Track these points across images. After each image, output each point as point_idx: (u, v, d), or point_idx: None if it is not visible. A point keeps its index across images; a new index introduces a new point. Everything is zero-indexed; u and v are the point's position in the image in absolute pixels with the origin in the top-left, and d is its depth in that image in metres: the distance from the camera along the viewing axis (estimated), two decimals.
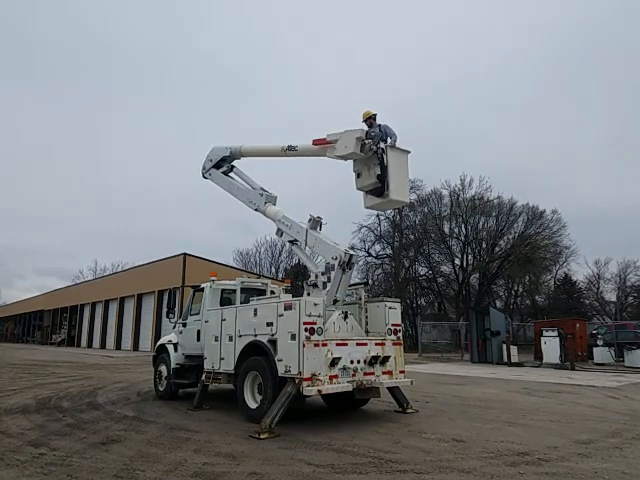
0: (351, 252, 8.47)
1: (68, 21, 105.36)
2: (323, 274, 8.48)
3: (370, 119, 8.49)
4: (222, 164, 11.68)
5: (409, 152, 8.54)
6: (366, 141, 8.10)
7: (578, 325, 23.79)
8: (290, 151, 9.82)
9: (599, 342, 22.01)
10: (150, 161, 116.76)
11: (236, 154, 11.39)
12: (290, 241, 9.61)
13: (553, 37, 78.54)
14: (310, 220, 9.04)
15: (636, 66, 70.03)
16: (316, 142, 8.99)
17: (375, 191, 8.40)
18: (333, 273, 8.31)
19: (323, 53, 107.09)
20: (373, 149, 8.12)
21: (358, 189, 8.73)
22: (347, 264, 8.28)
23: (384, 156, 8.20)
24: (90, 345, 45.51)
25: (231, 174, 11.59)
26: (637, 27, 72.05)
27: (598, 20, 75.26)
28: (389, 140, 8.41)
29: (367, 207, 9.02)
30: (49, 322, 57.96)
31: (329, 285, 8.34)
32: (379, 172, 8.18)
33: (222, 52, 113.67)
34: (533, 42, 79.42)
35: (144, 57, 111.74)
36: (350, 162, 8.69)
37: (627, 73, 70.60)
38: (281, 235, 9.77)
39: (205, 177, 12.10)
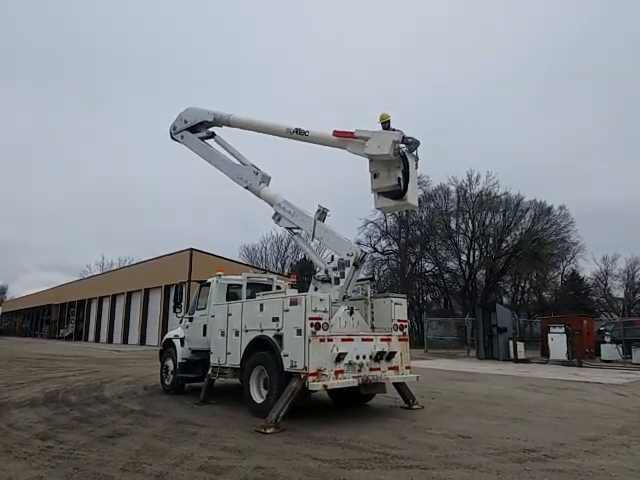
0: (365, 250, 8.51)
1: (69, 24, 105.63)
2: (335, 270, 8.44)
3: (387, 122, 8.39)
4: (199, 128, 10.90)
5: (419, 159, 8.47)
6: (400, 145, 7.92)
7: (585, 322, 23.68)
8: (298, 135, 9.29)
9: (607, 339, 21.87)
10: (152, 158, 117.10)
11: (221, 122, 10.61)
12: (288, 228, 9.42)
13: (560, 31, 77.95)
14: (318, 211, 8.91)
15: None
16: (339, 134, 8.63)
17: (392, 193, 8.24)
18: (347, 269, 8.27)
19: (322, 53, 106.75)
20: (400, 153, 7.96)
21: (374, 190, 8.44)
22: (360, 261, 8.31)
23: (408, 161, 8.06)
24: (97, 339, 45.80)
25: (209, 142, 10.85)
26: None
27: (598, 15, 74.56)
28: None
29: (378, 208, 8.90)
30: (57, 316, 58.40)
31: (342, 281, 8.30)
32: (400, 175, 8.03)
33: (220, 52, 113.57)
34: (538, 37, 78.88)
35: (143, 57, 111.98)
36: (364, 160, 8.44)
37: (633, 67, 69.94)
38: (278, 220, 9.50)
39: (174, 139, 11.25)
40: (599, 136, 74.14)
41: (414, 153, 8.25)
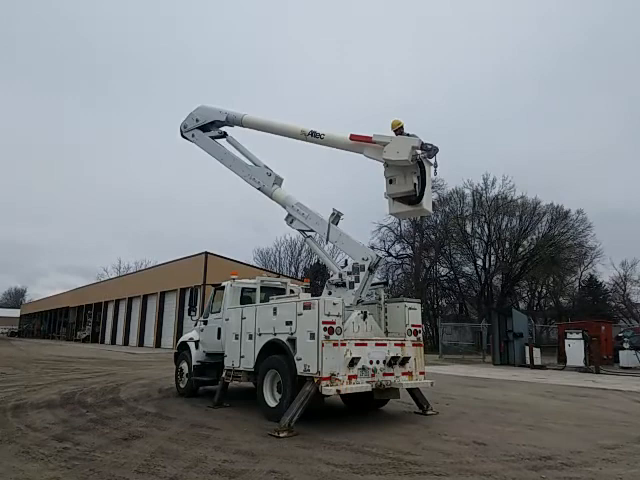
0: (379, 255, 8.53)
1: (80, 24, 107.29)
2: (349, 274, 8.42)
3: (400, 129, 8.36)
4: (210, 127, 10.79)
5: (437, 166, 8.39)
6: (418, 151, 7.89)
7: (603, 328, 23.29)
8: (313, 137, 9.17)
9: (625, 345, 21.48)
10: (169, 162, 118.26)
11: (233, 121, 10.49)
12: (301, 230, 9.38)
13: (573, 32, 77.18)
14: (333, 214, 8.91)
15: None
16: (356, 137, 8.55)
17: (407, 199, 8.20)
18: (362, 274, 8.26)
19: (325, 54, 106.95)
20: (417, 159, 7.92)
21: (389, 195, 8.37)
22: (375, 266, 8.32)
23: (425, 167, 8.03)
24: (114, 342, 46.29)
25: (221, 141, 10.70)
26: None
27: (611, 14, 73.62)
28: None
29: (392, 213, 8.80)
30: (74, 319, 59.16)
31: (357, 285, 8.28)
32: (415, 181, 8.00)
33: (222, 52, 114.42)
34: (551, 35, 78.34)
35: (155, 60, 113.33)
36: (377, 164, 8.39)
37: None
38: (291, 222, 9.46)
39: (184, 137, 11.12)
40: (616, 137, 73.08)
41: (432, 160, 8.21)
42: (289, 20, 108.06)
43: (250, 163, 10.34)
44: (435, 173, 8.21)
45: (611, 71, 75.51)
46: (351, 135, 8.67)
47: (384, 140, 8.14)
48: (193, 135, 11.02)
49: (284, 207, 9.60)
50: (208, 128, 10.89)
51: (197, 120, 10.95)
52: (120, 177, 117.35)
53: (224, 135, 10.84)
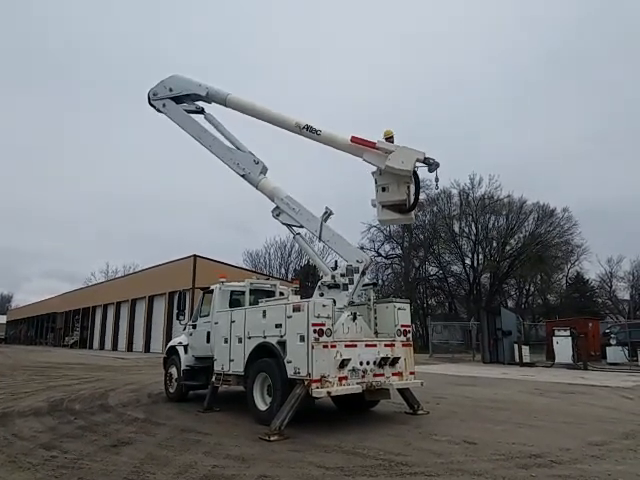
0: (369, 255, 8.61)
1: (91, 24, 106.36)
2: (343, 276, 8.41)
3: (391, 138, 8.41)
4: (185, 100, 9.92)
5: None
6: (419, 164, 8.02)
7: (591, 324, 23.59)
8: (308, 132, 8.91)
9: (612, 341, 21.76)
10: (158, 164, 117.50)
11: (214, 99, 9.70)
12: (288, 225, 9.22)
13: (558, 31, 78.10)
14: (325, 213, 8.87)
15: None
16: (358, 140, 8.47)
17: (396, 207, 8.34)
18: (356, 276, 8.28)
19: (321, 55, 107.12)
20: (415, 170, 8.08)
21: (379, 202, 8.44)
22: (367, 268, 8.43)
23: (418, 177, 8.21)
24: (102, 347, 45.86)
25: (194, 116, 9.89)
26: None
27: (597, 15, 74.63)
28: None
29: (381, 220, 8.96)
30: (62, 324, 58.52)
31: (350, 287, 8.30)
32: (407, 191, 8.18)
33: (219, 52, 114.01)
34: (535, 35, 79.23)
35: (150, 59, 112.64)
36: (366, 166, 8.48)
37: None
38: (278, 215, 9.22)
39: (153, 105, 10.10)
40: (602, 135, 74.06)
41: (434, 174, 8.29)
42: (289, 20, 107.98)
43: (232, 147, 9.73)
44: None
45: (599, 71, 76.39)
46: (353, 137, 8.60)
47: (389, 148, 8.21)
48: (164, 105, 10.04)
49: (271, 199, 9.31)
50: (182, 100, 10.06)
51: (170, 90, 9.98)
52: (105, 179, 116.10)
53: (201, 111, 10.10)
